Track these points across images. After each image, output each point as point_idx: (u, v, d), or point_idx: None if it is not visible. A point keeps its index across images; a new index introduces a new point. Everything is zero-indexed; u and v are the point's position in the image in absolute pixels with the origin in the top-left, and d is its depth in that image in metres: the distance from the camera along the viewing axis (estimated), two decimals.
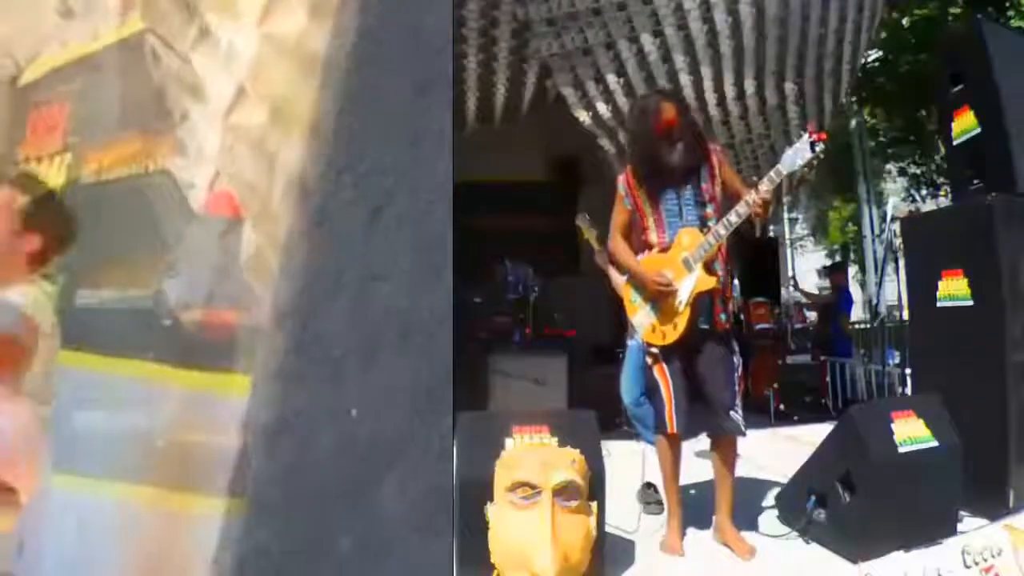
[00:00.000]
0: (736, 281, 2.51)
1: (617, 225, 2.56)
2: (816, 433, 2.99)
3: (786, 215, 14.31)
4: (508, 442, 2.18)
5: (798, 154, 2.26)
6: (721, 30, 3.98)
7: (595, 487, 2.12)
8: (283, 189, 1.52)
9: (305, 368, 1.24)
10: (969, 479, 2.42)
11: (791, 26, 4.15)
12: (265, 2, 2.02)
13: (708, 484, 2.59)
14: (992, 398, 2.61)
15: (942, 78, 3.19)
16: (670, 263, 2.40)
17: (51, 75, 3.46)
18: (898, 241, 4.36)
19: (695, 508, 2.61)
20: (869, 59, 8.55)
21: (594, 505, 2.08)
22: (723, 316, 2.43)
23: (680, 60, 4.03)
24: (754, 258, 5.99)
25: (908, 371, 4.54)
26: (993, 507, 2.54)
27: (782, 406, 5.04)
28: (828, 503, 2.37)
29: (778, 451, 3.64)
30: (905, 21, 8.66)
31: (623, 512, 2.61)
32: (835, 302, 6.24)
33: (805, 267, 16.16)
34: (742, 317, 5.33)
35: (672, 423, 2.42)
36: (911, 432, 2.35)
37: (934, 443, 2.36)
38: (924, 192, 10.69)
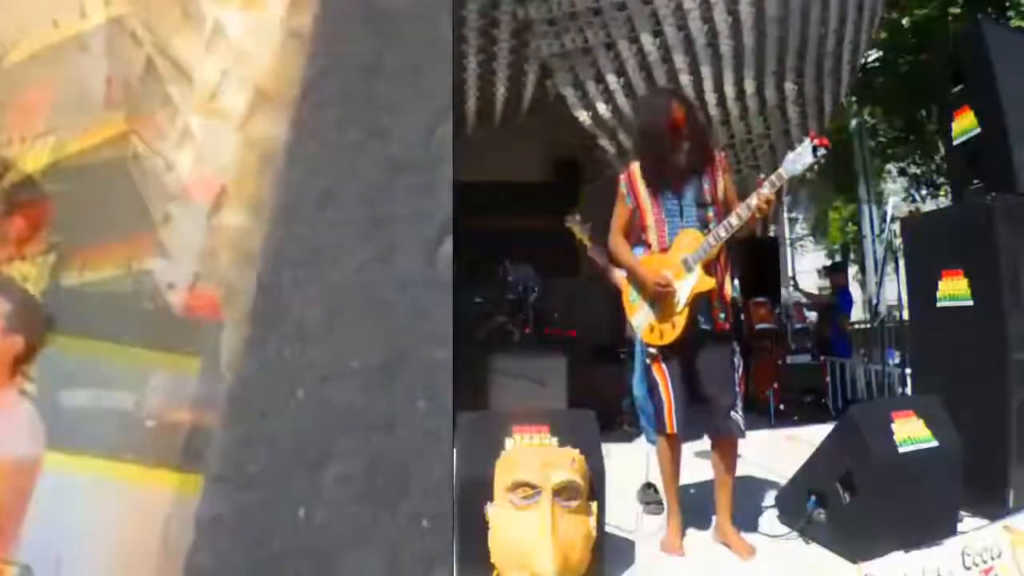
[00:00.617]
0: (736, 281, 2.50)
1: (617, 223, 2.56)
2: (816, 433, 2.99)
3: (786, 215, 14.30)
4: (508, 442, 2.17)
5: (800, 158, 2.26)
6: (721, 30, 3.98)
7: (595, 487, 2.12)
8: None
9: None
10: (969, 479, 2.42)
11: (791, 26, 4.15)
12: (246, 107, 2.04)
13: (708, 484, 2.59)
14: (992, 398, 2.61)
15: (942, 78, 3.19)
16: (669, 263, 2.40)
17: (34, 57, 3.45)
18: (898, 241, 4.35)
19: (695, 508, 2.61)
20: (869, 59, 8.55)
21: (594, 505, 2.08)
22: (722, 316, 2.43)
23: (680, 60, 4.03)
24: (754, 258, 5.99)
25: (908, 371, 4.54)
26: (993, 507, 2.54)
27: (782, 406, 5.04)
28: (828, 503, 2.37)
29: (778, 451, 3.64)
30: (905, 21, 8.66)
31: (623, 512, 2.61)
32: (835, 302, 6.24)
33: (805, 267, 16.16)
34: (743, 317, 5.33)
35: (671, 423, 2.42)
36: (911, 432, 2.35)
37: (934, 443, 2.36)
38: (924, 192, 10.69)
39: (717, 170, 2.45)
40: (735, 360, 2.44)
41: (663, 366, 2.44)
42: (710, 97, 4.22)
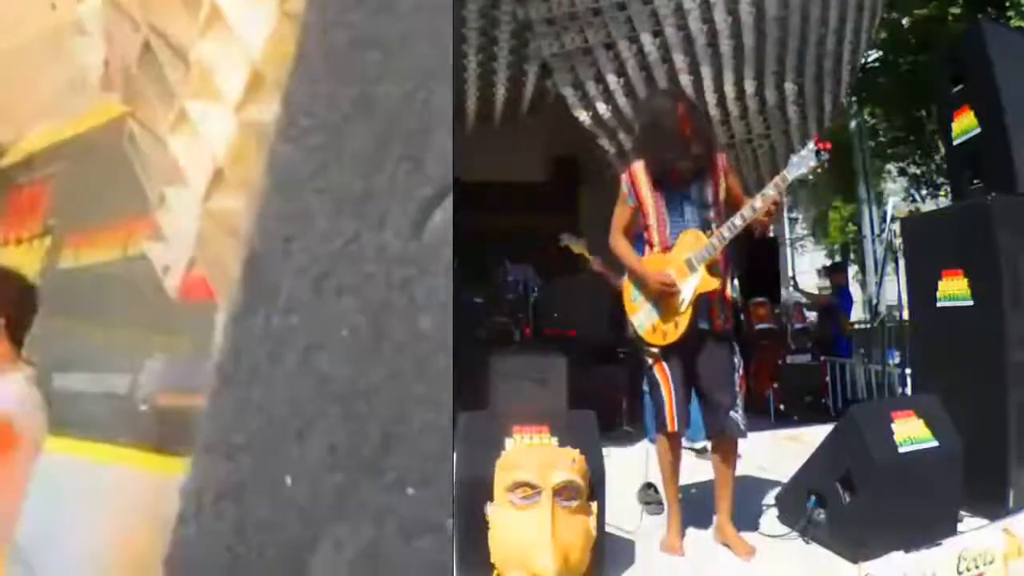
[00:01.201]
0: (736, 281, 2.51)
1: (618, 223, 2.56)
2: (816, 433, 2.99)
3: (786, 215, 14.30)
4: (508, 442, 2.18)
5: (803, 162, 2.27)
6: (721, 30, 3.97)
7: (595, 487, 2.12)
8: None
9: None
10: (969, 479, 2.42)
11: (791, 26, 4.14)
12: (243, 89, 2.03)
13: (708, 484, 2.59)
14: (992, 398, 2.61)
15: (942, 78, 3.19)
16: (672, 263, 2.40)
17: (33, 157, 3.45)
18: (898, 241, 4.35)
19: (695, 508, 2.61)
20: (869, 59, 8.55)
21: (594, 505, 2.08)
22: (723, 317, 2.43)
23: (680, 60, 4.02)
24: (754, 258, 5.99)
25: (908, 371, 4.54)
26: (993, 507, 2.54)
27: (782, 406, 5.04)
28: (828, 503, 2.37)
29: (778, 451, 3.64)
30: (905, 21, 8.66)
31: (623, 512, 2.61)
32: (835, 302, 6.24)
33: (805, 267, 16.17)
34: (742, 317, 5.33)
35: (672, 422, 2.42)
36: (911, 432, 2.35)
37: (934, 443, 2.36)
38: (924, 192, 10.69)
39: (719, 171, 2.45)
40: (735, 360, 2.45)
41: (664, 366, 2.44)
42: (710, 97, 4.22)
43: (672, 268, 2.39)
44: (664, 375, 2.44)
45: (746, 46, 4.08)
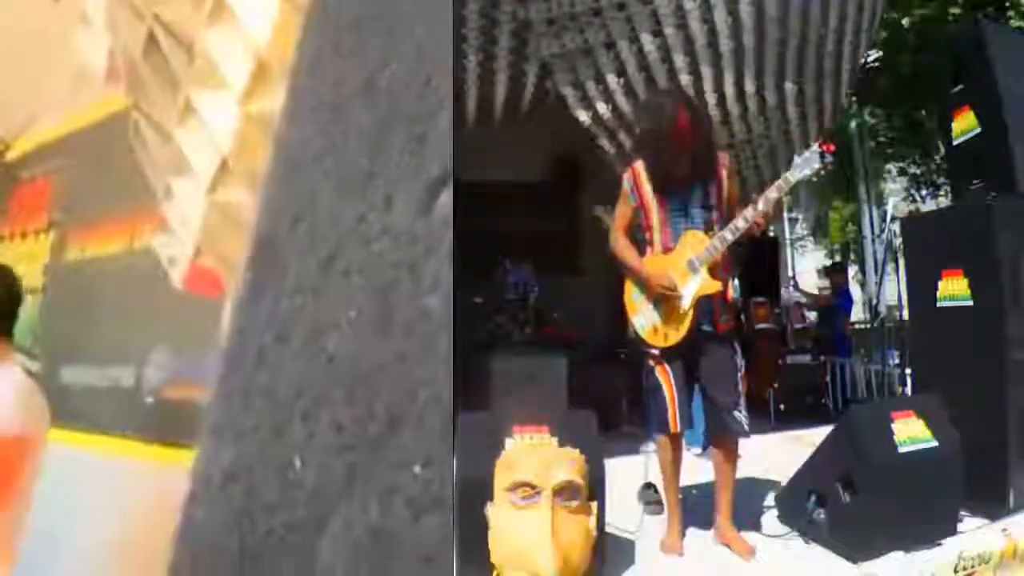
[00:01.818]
0: (736, 281, 2.51)
1: (619, 223, 2.55)
2: (816, 433, 2.99)
3: (786, 215, 14.30)
4: (508, 442, 2.18)
5: (807, 163, 2.28)
6: (721, 30, 3.97)
7: (595, 487, 2.12)
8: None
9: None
10: (969, 479, 2.42)
11: (791, 26, 4.14)
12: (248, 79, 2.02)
13: (708, 484, 2.59)
14: (992, 398, 2.61)
15: (942, 78, 3.19)
16: (673, 265, 2.39)
17: (38, 151, 3.44)
18: (898, 241, 4.36)
19: (695, 508, 2.61)
20: (869, 59, 8.54)
21: (594, 505, 2.08)
22: (725, 318, 2.43)
23: (680, 60, 4.02)
24: (754, 258, 5.99)
25: (908, 371, 4.54)
26: (993, 507, 2.55)
27: (782, 406, 5.04)
28: (828, 503, 2.37)
29: (778, 451, 3.64)
30: (905, 21, 8.64)
31: (623, 512, 2.61)
32: (835, 302, 6.24)
33: (805, 267, 16.15)
34: (743, 317, 5.34)
35: (674, 423, 2.42)
36: (911, 432, 2.35)
37: (934, 443, 2.36)
38: (924, 192, 10.68)
39: (722, 172, 2.44)
40: (737, 360, 2.44)
41: (666, 367, 2.44)
42: (710, 97, 4.21)
43: (673, 270, 2.39)
44: (666, 376, 2.44)
45: (746, 46, 4.07)
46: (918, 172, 10.84)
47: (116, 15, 2.43)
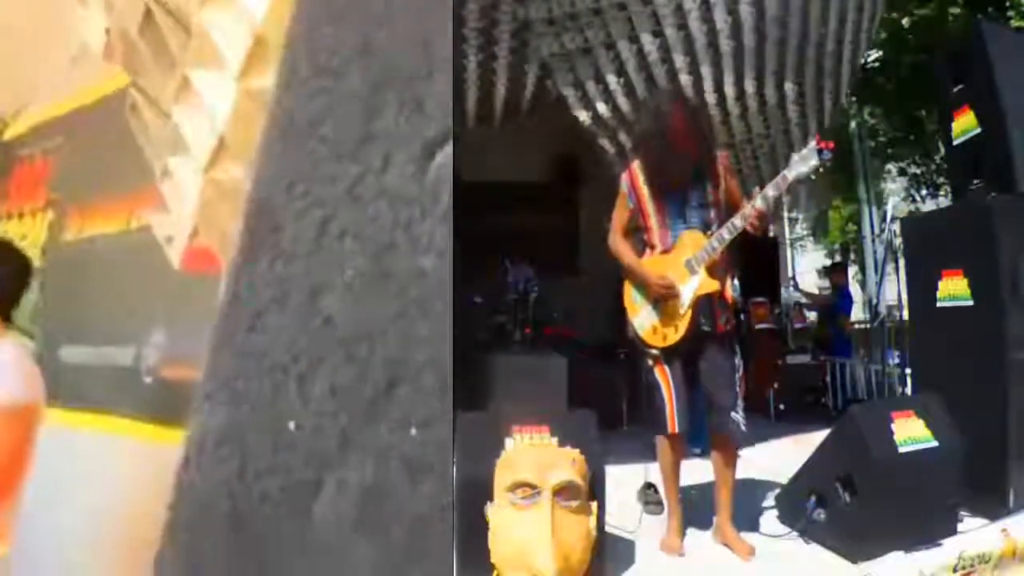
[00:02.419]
0: (736, 281, 2.50)
1: (618, 224, 2.55)
2: (816, 433, 2.99)
3: (786, 215, 14.30)
4: (508, 442, 2.18)
5: (805, 161, 2.26)
6: (721, 30, 3.97)
7: (595, 487, 2.12)
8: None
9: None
10: (969, 479, 2.42)
11: (791, 26, 4.14)
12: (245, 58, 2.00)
13: (708, 484, 2.59)
14: (992, 398, 2.61)
15: (942, 78, 3.19)
16: (672, 265, 2.40)
17: (36, 130, 3.41)
18: (898, 241, 4.36)
19: (695, 508, 2.61)
20: (869, 59, 8.54)
21: (594, 505, 2.08)
22: (724, 318, 2.43)
23: (680, 60, 4.02)
24: (754, 258, 5.99)
25: (908, 371, 4.54)
26: (993, 507, 2.55)
27: (782, 406, 5.04)
28: (828, 503, 2.37)
29: (778, 451, 3.64)
30: (905, 21, 8.65)
31: (623, 512, 2.61)
32: (835, 302, 6.24)
33: (805, 267, 16.14)
34: (742, 317, 5.33)
35: (674, 423, 2.42)
36: (911, 432, 2.35)
37: (934, 443, 2.36)
38: (924, 192, 10.68)
39: (720, 171, 2.44)
40: (736, 361, 2.44)
41: (665, 367, 2.44)
42: (710, 97, 4.21)
43: (672, 270, 2.39)
44: (665, 376, 2.44)
45: (746, 46, 4.07)
46: (918, 172, 10.83)
47: None
